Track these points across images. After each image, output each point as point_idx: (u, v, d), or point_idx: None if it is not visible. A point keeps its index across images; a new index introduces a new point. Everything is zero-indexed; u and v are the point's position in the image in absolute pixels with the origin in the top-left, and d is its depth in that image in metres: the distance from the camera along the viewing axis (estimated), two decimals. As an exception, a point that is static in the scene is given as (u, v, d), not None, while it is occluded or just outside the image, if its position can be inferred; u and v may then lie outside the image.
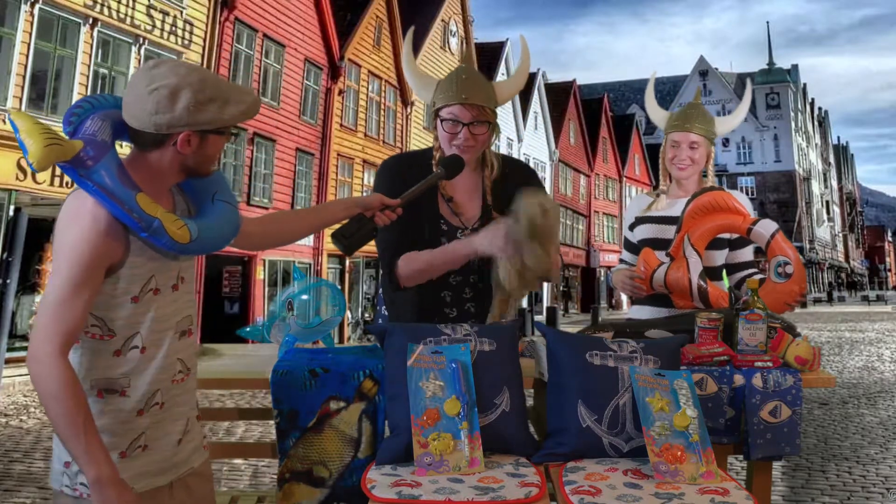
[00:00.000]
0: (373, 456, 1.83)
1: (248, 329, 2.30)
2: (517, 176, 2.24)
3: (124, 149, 1.50)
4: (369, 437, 1.85)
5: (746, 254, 2.59)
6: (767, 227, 2.34)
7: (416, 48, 21.85)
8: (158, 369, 1.50)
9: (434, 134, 2.19)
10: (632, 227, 2.72)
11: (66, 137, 1.42)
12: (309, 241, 16.98)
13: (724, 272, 2.61)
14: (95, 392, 1.45)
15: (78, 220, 1.40)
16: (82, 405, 1.36)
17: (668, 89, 57.96)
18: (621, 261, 2.81)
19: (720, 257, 2.56)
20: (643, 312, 2.56)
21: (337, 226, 1.90)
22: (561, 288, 32.87)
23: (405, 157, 2.37)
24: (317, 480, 1.84)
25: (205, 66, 14.11)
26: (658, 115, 2.72)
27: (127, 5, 12.60)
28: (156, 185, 1.48)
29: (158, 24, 13.25)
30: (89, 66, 12.08)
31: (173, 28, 13.57)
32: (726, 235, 2.50)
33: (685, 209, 2.38)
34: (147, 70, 1.45)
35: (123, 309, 1.45)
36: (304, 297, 2.21)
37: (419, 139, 22.03)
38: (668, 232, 2.55)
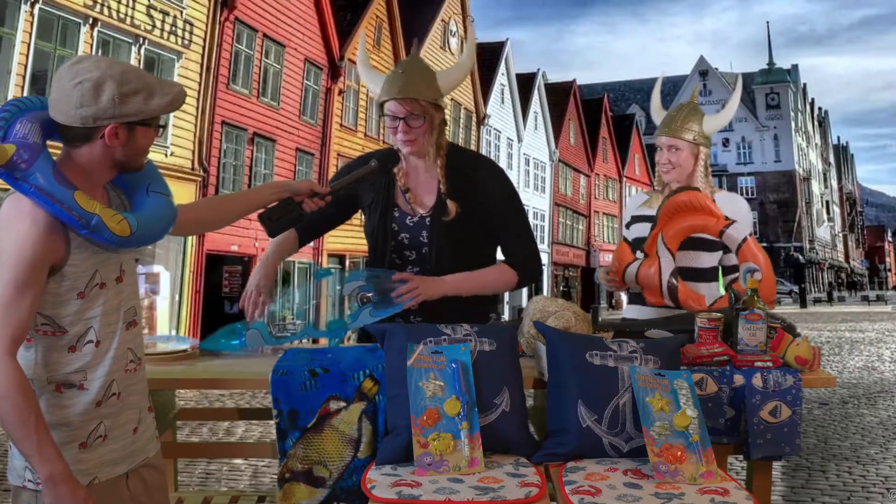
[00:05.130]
0: (373, 456, 1.83)
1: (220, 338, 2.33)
2: (482, 172, 2.29)
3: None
4: (369, 437, 1.85)
5: None
6: (740, 230, 2.33)
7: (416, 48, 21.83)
8: (112, 360, 1.53)
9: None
10: (628, 226, 2.73)
11: None
12: (309, 241, 16.93)
13: (720, 273, 2.61)
14: (53, 387, 1.47)
15: (17, 222, 1.42)
16: (32, 404, 1.39)
17: (668, 89, 57.84)
18: None
19: (711, 259, 2.55)
20: (636, 311, 2.57)
21: None
22: (561, 288, 32.87)
23: (370, 154, 2.40)
24: (317, 480, 1.84)
25: (205, 66, 14.11)
26: (659, 114, 2.73)
27: (127, 5, 12.59)
28: (89, 181, 1.50)
29: (158, 24, 13.24)
30: (89, 66, 12.06)
31: (173, 28, 13.56)
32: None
33: (660, 206, 2.39)
34: (70, 65, 1.47)
35: (71, 305, 1.47)
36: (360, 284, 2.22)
37: (419, 139, 22.01)
38: None
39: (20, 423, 1.37)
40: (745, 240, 2.32)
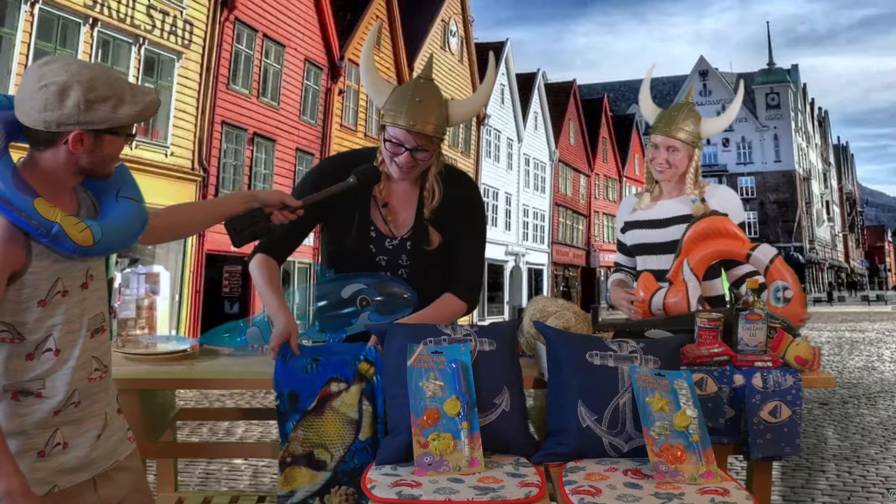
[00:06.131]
0: (373, 437, 1.85)
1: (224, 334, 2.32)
2: (456, 191, 2.21)
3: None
4: (369, 418, 1.86)
5: None
6: (766, 252, 2.34)
7: (416, 48, 21.83)
8: (73, 369, 1.48)
9: (380, 138, 2.16)
10: (623, 231, 2.72)
11: None
12: (309, 240, 16.93)
13: (723, 271, 2.61)
14: (10, 395, 1.43)
15: None
16: None
17: (668, 89, 57.90)
18: (616, 263, 2.82)
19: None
20: None
21: None
22: (561, 288, 32.86)
23: (345, 157, 2.32)
24: (318, 464, 1.85)
25: (205, 66, 14.10)
26: (649, 111, 2.69)
27: (127, 5, 12.59)
28: (53, 186, 1.44)
29: (158, 24, 13.24)
30: (89, 66, 12.06)
31: (173, 28, 13.56)
32: None
33: (684, 234, 2.38)
34: (38, 66, 1.41)
35: (31, 313, 1.43)
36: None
37: (419, 139, 22.01)
38: (655, 236, 2.56)
39: None
40: (772, 261, 2.32)
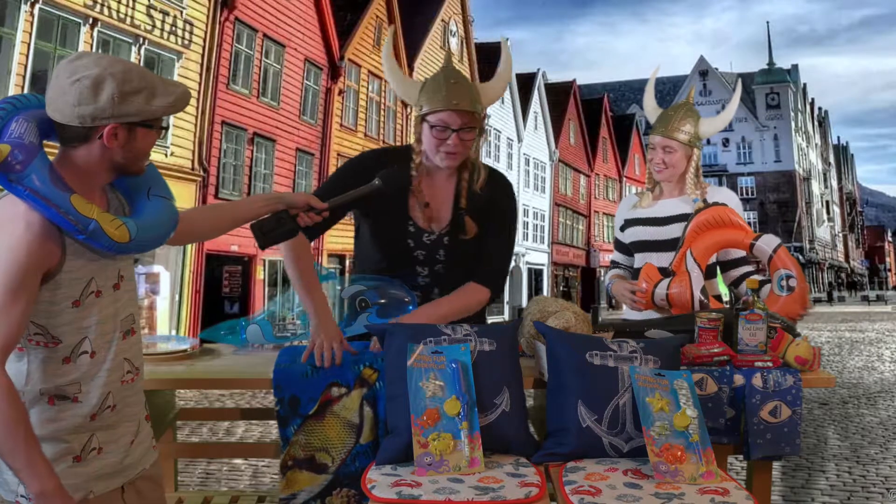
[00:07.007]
0: (374, 441, 1.85)
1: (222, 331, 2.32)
2: (495, 189, 2.23)
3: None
4: (370, 422, 1.86)
5: (739, 250, 2.59)
6: (770, 242, 2.35)
7: (416, 48, 21.82)
8: (108, 372, 1.47)
9: (416, 137, 2.15)
10: (622, 229, 2.73)
11: None
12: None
13: (718, 270, 2.61)
14: (46, 399, 1.42)
15: (11, 226, 1.36)
16: (22, 416, 1.33)
17: (668, 89, 57.88)
18: (613, 262, 2.82)
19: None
20: (637, 313, 2.57)
21: None
22: (561, 288, 32.86)
23: (371, 157, 2.29)
24: (319, 467, 1.85)
25: (205, 66, 14.10)
26: (652, 112, 2.70)
27: (127, 5, 12.58)
28: (87, 184, 1.44)
29: (158, 24, 13.23)
30: (89, 66, 12.06)
31: (173, 28, 13.56)
32: None
33: (687, 225, 2.38)
34: (70, 62, 1.40)
35: (65, 315, 1.42)
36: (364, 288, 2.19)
37: (419, 139, 22.00)
38: (656, 233, 2.56)
39: (8, 435, 1.31)
40: (775, 251, 2.33)
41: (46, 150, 1.42)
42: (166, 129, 1.57)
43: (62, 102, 1.38)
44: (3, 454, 1.34)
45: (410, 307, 2.12)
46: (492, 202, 2.22)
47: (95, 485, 1.46)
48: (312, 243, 2.22)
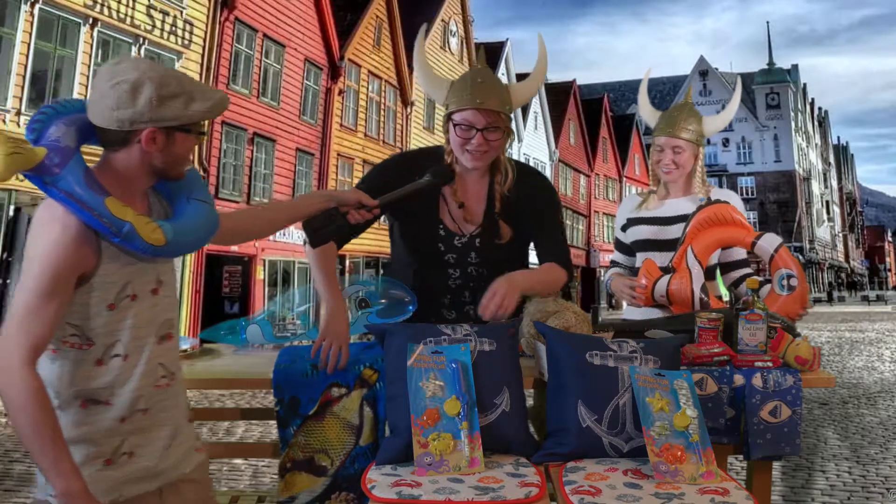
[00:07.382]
0: (374, 443, 1.84)
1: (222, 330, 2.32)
2: (528, 184, 2.22)
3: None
4: (370, 424, 1.86)
5: (740, 252, 2.59)
6: (771, 241, 2.35)
7: (416, 48, 21.81)
8: (141, 376, 1.47)
9: (446, 137, 2.16)
10: (624, 228, 2.72)
11: (30, 145, 1.38)
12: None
13: (718, 272, 2.61)
14: (79, 402, 1.42)
15: (47, 228, 1.37)
16: (50, 417, 1.33)
17: (668, 89, 57.88)
18: (612, 262, 2.81)
19: (712, 257, 2.55)
20: (637, 312, 2.57)
21: None
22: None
23: (410, 156, 2.32)
24: (318, 469, 1.85)
25: (205, 66, 14.11)
26: (648, 114, 2.72)
27: (127, 5, 12.59)
28: (128, 188, 1.45)
29: (158, 24, 13.24)
30: (89, 66, 12.06)
31: (173, 28, 13.57)
32: None
33: (688, 223, 2.39)
34: (110, 66, 1.43)
35: (100, 317, 1.42)
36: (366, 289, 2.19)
37: (419, 139, 22.02)
38: (660, 233, 2.57)
39: (36, 435, 1.32)
40: (776, 250, 2.33)
41: (90, 154, 1.43)
42: (204, 133, 1.61)
43: (102, 106, 1.40)
44: (31, 454, 1.35)
45: (410, 307, 2.12)
46: (531, 198, 2.21)
47: (125, 488, 1.46)
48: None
